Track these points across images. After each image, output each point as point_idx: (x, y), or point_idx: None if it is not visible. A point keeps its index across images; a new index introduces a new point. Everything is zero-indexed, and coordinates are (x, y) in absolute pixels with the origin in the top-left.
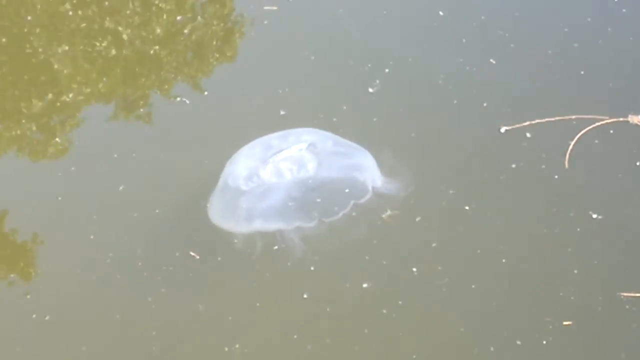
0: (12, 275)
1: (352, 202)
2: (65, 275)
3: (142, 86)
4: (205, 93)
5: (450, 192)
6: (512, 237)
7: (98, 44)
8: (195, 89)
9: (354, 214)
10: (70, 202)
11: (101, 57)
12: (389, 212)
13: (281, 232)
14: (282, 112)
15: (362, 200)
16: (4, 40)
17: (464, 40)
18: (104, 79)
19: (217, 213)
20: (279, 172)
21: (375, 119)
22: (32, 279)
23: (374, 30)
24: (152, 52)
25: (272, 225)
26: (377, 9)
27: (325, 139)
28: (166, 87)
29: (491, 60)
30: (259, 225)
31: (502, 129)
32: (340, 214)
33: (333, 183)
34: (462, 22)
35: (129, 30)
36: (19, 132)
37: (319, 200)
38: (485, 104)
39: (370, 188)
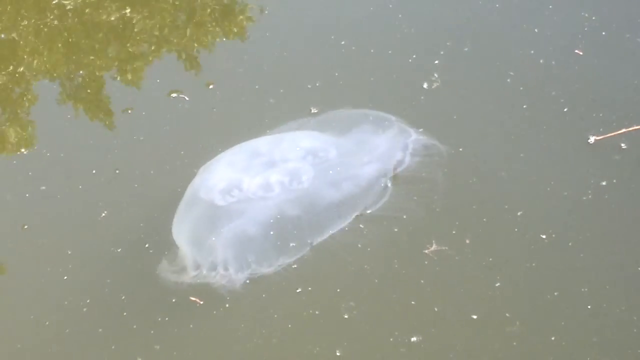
0: None
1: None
2: (30, 327)
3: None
4: (211, 87)
5: (519, 214)
6: (600, 276)
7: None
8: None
9: (369, 236)
10: (38, 231)
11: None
12: (434, 246)
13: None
14: (313, 110)
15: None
16: None
17: (536, 30)
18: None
19: (185, 231)
20: (267, 185)
21: (422, 127)
22: None
23: (424, 16)
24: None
25: (260, 259)
26: None
27: (328, 147)
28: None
29: (576, 51)
30: (235, 253)
31: (591, 139)
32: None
33: (330, 199)
34: (534, 3)
35: None
36: None
37: (318, 220)
38: (565, 109)
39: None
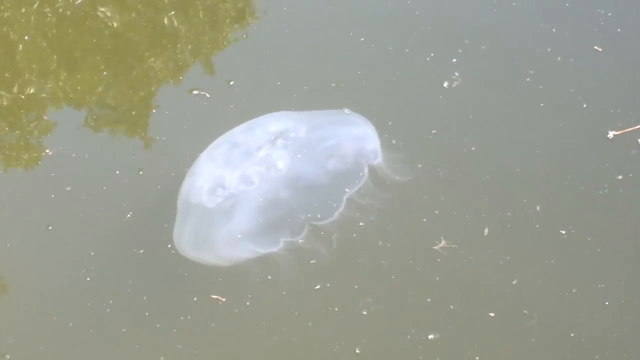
0: None
1: (345, 195)
2: (54, 328)
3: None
4: (231, 83)
5: (538, 208)
6: (619, 272)
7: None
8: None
9: (357, 213)
10: (62, 232)
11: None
12: (442, 242)
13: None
14: (346, 110)
15: (357, 189)
16: None
17: (553, 30)
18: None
19: (188, 242)
20: (246, 177)
21: (435, 129)
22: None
23: (441, 14)
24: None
25: (258, 249)
26: None
27: (298, 124)
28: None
29: (595, 47)
30: (242, 250)
31: (610, 134)
32: (335, 214)
33: (315, 178)
34: (551, 0)
35: None
36: None
37: (305, 202)
38: (585, 105)
39: (364, 171)
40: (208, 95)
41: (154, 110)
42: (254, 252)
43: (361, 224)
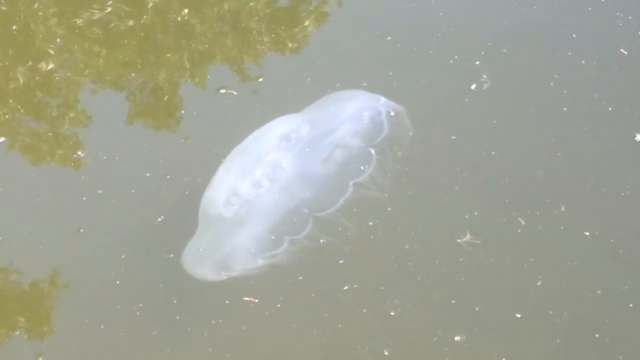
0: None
1: (350, 183)
2: (85, 330)
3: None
4: (260, 80)
5: (563, 209)
6: None
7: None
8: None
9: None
10: (93, 235)
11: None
12: (468, 236)
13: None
14: (392, 114)
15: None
16: None
17: (574, 36)
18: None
19: (208, 260)
20: (255, 182)
21: (459, 129)
22: (45, 337)
23: (464, 15)
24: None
25: (276, 251)
26: None
27: (299, 125)
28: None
29: (621, 50)
30: (261, 254)
31: (638, 137)
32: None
33: (324, 172)
34: (575, 5)
35: None
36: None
37: (318, 197)
38: (610, 108)
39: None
40: (235, 93)
41: (182, 111)
42: (273, 255)
43: (374, 222)
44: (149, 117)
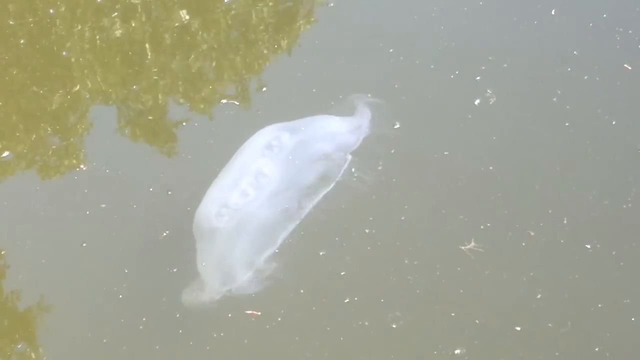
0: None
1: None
2: (88, 344)
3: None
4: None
5: (565, 222)
6: None
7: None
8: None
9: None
10: (96, 249)
11: None
12: (472, 244)
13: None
14: (396, 125)
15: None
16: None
17: (575, 52)
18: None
19: (217, 274)
20: (242, 191)
21: (460, 142)
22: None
23: (465, 30)
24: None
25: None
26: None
27: (279, 133)
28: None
29: (625, 65)
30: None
31: None
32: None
33: (303, 176)
34: (578, 20)
35: None
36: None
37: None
38: (614, 122)
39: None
40: (237, 103)
41: (183, 124)
42: (269, 267)
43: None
44: (150, 133)
